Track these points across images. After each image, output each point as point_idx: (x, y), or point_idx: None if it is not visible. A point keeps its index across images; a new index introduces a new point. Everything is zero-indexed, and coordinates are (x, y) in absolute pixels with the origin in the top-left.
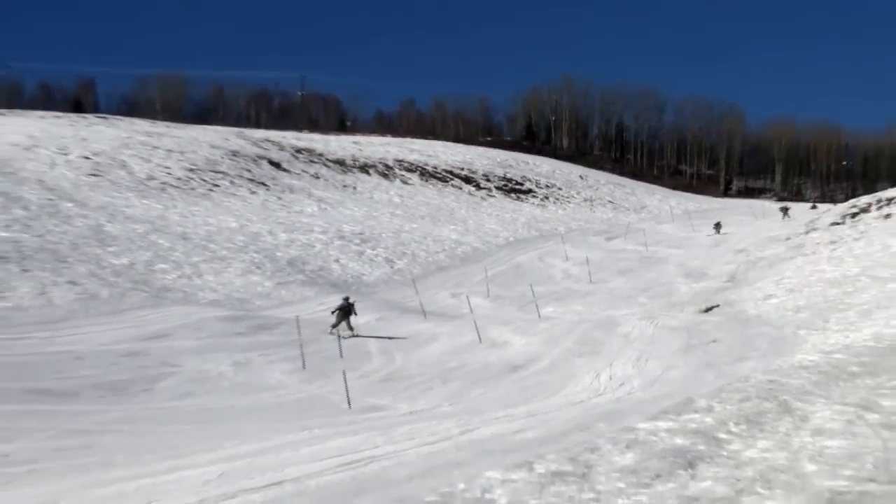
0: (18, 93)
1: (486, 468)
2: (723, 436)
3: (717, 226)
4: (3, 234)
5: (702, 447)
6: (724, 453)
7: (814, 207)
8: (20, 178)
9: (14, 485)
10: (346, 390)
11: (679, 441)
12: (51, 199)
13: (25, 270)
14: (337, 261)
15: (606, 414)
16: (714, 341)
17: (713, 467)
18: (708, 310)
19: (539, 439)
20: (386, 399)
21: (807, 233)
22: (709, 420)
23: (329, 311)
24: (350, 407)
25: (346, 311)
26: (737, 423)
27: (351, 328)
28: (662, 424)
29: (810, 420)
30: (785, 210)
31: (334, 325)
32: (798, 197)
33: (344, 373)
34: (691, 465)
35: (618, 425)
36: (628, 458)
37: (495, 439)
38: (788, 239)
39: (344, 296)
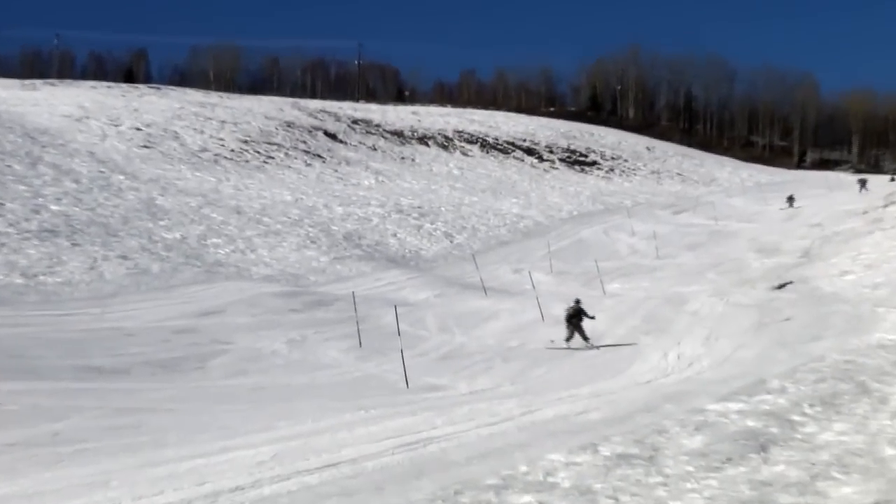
0: (70, 63)
1: (549, 450)
2: (797, 418)
3: (791, 199)
4: (54, 207)
5: (774, 430)
6: (799, 436)
7: (893, 180)
8: (71, 150)
9: (64, 464)
10: (404, 369)
11: (751, 423)
12: (102, 172)
13: (76, 244)
14: (394, 235)
15: (674, 395)
16: (787, 319)
17: (787, 451)
18: (781, 286)
19: (604, 420)
20: (445, 378)
21: (885, 206)
22: (782, 401)
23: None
24: (408, 386)
25: (577, 316)
26: (811, 405)
27: (585, 337)
28: (733, 406)
29: (889, 402)
30: (862, 182)
31: (568, 339)
32: (876, 169)
33: (402, 351)
34: (764, 448)
35: (686, 406)
36: (697, 441)
37: (558, 420)
38: (866, 213)
39: (575, 299)
